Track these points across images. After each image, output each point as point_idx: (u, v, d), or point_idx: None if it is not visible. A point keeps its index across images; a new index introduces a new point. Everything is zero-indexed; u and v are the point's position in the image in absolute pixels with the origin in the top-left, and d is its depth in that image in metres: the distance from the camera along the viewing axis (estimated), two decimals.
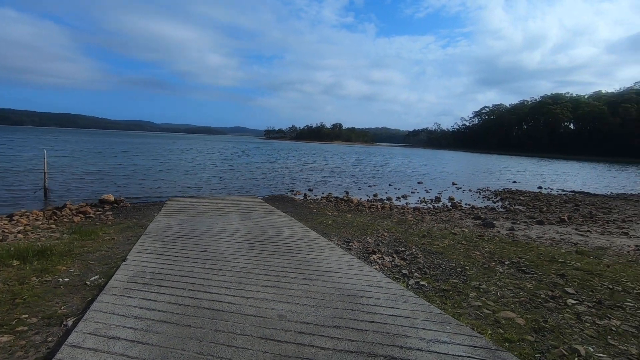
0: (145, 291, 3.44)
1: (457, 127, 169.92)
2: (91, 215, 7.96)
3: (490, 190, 18.57)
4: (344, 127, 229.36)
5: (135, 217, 7.72)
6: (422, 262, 5.08)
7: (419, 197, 15.13)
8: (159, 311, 3.03)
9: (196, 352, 2.46)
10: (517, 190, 19.15)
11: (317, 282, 3.88)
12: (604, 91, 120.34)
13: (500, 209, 12.66)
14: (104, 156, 28.90)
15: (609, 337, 3.05)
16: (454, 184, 21.14)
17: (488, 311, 3.48)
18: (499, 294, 3.95)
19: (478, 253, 5.65)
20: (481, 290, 4.05)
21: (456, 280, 4.35)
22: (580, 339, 2.99)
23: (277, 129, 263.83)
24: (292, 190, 15.05)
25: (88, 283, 3.81)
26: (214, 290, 3.52)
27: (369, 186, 18.48)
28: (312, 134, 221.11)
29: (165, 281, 3.71)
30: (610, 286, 4.27)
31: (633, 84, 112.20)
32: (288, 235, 6.07)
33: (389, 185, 19.37)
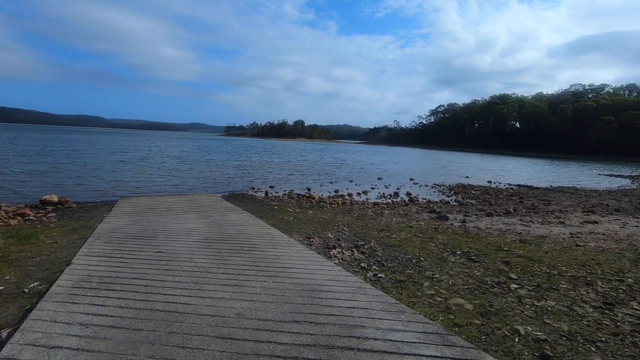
0: (93, 296, 3.24)
1: (415, 124, 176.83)
2: (31, 217, 7.32)
3: (445, 185, 19.49)
4: (306, 124, 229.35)
5: (82, 219, 7.21)
6: (380, 255, 5.24)
7: (379, 193, 15.54)
8: (108, 316, 2.87)
9: (148, 356, 2.36)
10: (469, 184, 20.27)
11: (277, 278, 3.88)
12: (545, 92, 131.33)
13: (454, 203, 13.34)
14: (45, 154, 26.60)
15: (545, 316, 3.34)
16: (411, 179, 21.94)
17: (440, 299, 3.67)
18: (450, 282, 4.18)
19: (432, 245, 5.93)
20: (434, 279, 4.26)
21: (412, 271, 4.53)
22: (520, 320, 3.25)
23: (238, 125, 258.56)
24: (253, 188, 14.82)
25: (26, 290, 3.51)
26: (168, 292, 3.40)
27: (331, 182, 18.68)
28: (274, 131, 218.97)
29: (115, 285, 3.52)
30: (548, 270, 4.67)
31: (569, 86, 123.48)
32: (248, 233, 5.99)
33: (350, 181, 19.69)
